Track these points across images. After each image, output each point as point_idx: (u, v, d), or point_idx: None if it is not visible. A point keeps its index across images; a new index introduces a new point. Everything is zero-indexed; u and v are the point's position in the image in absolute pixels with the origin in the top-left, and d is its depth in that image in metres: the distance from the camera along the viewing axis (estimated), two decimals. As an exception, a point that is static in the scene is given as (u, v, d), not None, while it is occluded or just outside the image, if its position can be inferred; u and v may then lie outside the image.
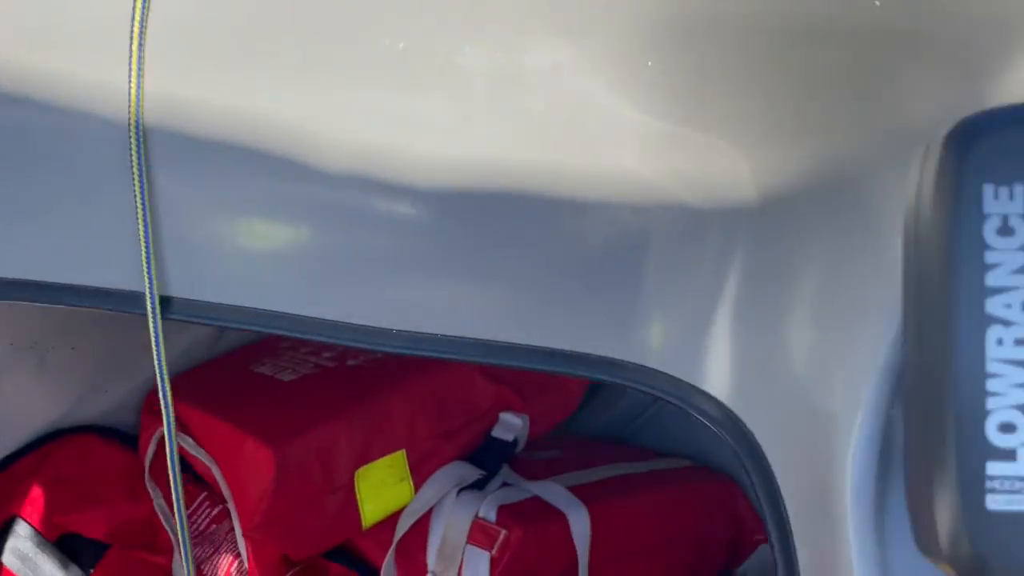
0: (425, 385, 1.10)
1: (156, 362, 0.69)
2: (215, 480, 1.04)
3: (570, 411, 1.25)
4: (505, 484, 1.14)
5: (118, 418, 1.15)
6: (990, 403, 0.31)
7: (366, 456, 1.05)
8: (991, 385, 0.31)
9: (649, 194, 0.58)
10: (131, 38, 0.65)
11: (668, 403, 0.62)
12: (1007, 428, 0.31)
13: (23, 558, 1.07)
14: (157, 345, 0.67)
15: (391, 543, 1.05)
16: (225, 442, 1.03)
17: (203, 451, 1.04)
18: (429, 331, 0.64)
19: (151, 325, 0.67)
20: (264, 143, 0.63)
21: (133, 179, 0.66)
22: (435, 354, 0.64)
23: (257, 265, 0.69)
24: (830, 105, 0.55)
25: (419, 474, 1.10)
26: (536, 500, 1.11)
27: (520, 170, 0.61)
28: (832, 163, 0.53)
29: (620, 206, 0.59)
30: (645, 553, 1.12)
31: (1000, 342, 0.31)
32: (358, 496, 1.05)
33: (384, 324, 0.65)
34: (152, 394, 1.09)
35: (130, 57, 0.65)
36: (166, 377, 0.70)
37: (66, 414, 1.12)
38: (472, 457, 1.14)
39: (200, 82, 0.66)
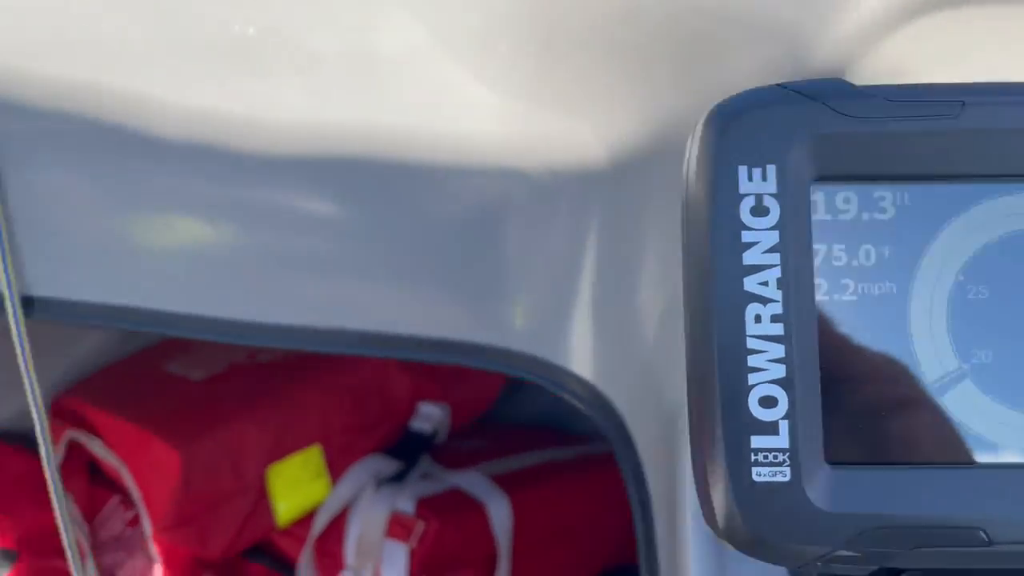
0: (339, 378, 1.09)
1: (22, 367, 0.68)
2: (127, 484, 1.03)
3: (492, 399, 1.24)
4: (426, 476, 1.13)
5: (25, 424, 1.13)
6: (751, 378, 0.31)
7: (278, 453, 1.04)
8: (752, 361, 0.32)
9: (506, 172, 0.58)
10: None
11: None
12: (768, 402, 0.32)
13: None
14: (21, 348, 0.66)
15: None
16: (133, 444, 1.02)
17: (112, 454, 1.03)
18: (290, 323, 0.63)
19: (13, 327, 0.65)
20: (111, 126, 0.62)
21: None
22: (301, 345, 0.64)
23: (135, 262, 0.68)
24: (659, 76, 0.57)
25: (336, 469, 1.09)
26: (456, 491, 1.11)
27: (380, 154, 0.60)
28: (666, 128, 0.54)
29: (478, 185, 0.59)
30: (570, 539, 1.12)
31: (758, 319, 0.32)
32: (270, 494, 1.04)
33: (250, 317, 0.64)
34: (61, 398, 1.07)
35: None
36: (35, 382, 0.69)
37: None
38: (391, 450, 1.14)
39: (48, 63, 0.64)
